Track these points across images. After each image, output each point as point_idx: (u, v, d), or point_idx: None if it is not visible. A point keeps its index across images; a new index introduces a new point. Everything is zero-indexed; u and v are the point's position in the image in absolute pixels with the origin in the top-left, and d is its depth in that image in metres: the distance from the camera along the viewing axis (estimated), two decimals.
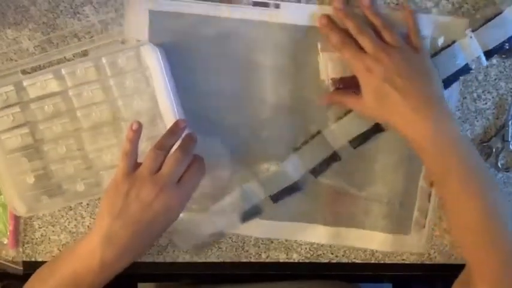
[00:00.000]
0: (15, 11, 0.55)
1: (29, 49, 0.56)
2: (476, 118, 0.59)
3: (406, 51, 0.51)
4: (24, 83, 0.55)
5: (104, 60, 0.54)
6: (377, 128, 0.57)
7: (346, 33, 0.52)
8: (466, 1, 0.55)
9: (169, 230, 0.55)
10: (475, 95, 0.58)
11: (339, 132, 0.57)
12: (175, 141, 0.51)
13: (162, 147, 0.50)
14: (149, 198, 0.48)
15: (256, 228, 0.61)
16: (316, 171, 0.58)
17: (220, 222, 0.60)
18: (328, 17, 0.53)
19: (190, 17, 0.55)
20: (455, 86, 0.57)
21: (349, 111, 0.57)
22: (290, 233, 0.61)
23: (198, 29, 0.55)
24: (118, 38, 0.55)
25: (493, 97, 0.57)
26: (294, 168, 0.58)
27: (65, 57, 0.56)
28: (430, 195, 0.59)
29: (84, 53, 0.56)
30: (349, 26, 0.52)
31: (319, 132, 0.58)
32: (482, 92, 0.58)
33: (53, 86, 0.55)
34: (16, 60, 0.57)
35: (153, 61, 0.53)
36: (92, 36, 0.56)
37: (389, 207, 0.59)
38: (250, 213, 0.60)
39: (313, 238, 0.61)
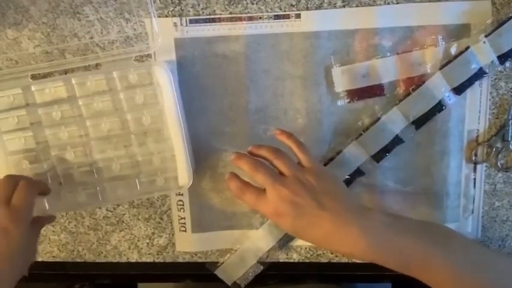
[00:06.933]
0: (15, 11, 0.55)
1: (29, 49, 0.56)
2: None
3: (318, 169, 0.50)
4: (33, 88, 0.55)
5: (115, 74, 0.55)
6: (397, 139, 0.57)
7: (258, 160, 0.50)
8: None
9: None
10: None
11: (360, 150, 0.57)
12: None
13: None
14: None
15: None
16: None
17: (261, 252, 0.61)
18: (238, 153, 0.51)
19: (213, 38, 0.56)
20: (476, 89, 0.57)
21: (367, 127, 0.57)
22: None
23: (222, 49, 0.57)
24: (133, 54, 0.56)
25: (493, 97, 0.57)
26: None
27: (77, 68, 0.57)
28: (475, 181, 0.59)
29: (98, 64, 0.56)
30: (264, 153, 0.51)
31: (339, 153, 0.58)
32: None
33: (62, 93, 0.55)
34: (17, 61, 0.57)
35: (164, 79, 0.54)
36: (91, 37, 0.56)
37: (437, 197, 0.59)
38: (286, 239, 0.61)
39: None
